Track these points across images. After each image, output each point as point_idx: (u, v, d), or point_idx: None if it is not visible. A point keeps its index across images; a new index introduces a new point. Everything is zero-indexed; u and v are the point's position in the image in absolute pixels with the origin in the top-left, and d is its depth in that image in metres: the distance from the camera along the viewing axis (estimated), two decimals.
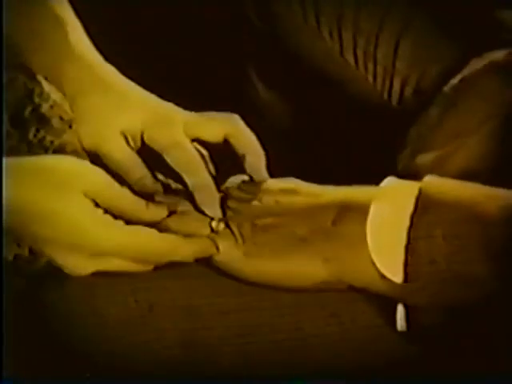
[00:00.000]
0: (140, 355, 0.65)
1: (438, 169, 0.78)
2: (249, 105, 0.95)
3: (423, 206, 0.62)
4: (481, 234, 0.60)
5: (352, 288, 0.65)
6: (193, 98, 0.74)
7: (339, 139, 0.93)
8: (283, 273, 0.65)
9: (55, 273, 0.65)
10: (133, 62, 0.84)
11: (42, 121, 0.81)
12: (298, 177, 0.69)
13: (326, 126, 0.94)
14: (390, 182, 0.67)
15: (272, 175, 0.71)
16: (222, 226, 0.67)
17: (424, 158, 0.81)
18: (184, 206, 0.68)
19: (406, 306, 0.63)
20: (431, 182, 0.65)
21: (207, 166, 0.70)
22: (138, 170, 0.70)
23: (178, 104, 0.73)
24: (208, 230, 0.66)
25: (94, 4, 0.89)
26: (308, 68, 0.92)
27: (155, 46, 1.00)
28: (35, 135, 0.83)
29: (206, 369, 0.65)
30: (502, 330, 0.62)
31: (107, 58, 0.74)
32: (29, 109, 0.85)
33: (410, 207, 0.63)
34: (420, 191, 0.63)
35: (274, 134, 0.94)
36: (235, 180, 0.70)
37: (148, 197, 0.67)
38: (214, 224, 0.67)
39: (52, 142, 0.83)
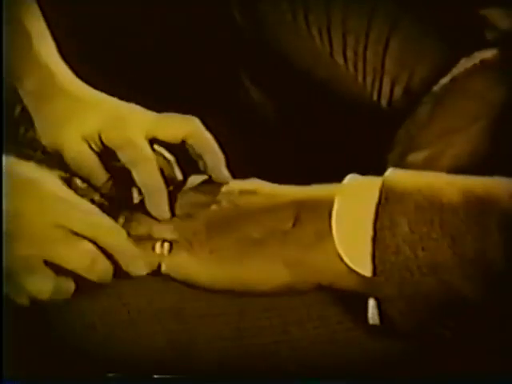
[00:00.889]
0: (129, 358, 0.65)
1: (428, 168, 0.78)
2: (238, 105, 0.95)
3: (386, 196, 0.61)
4: (443, 220, 0.60)
5: (320, 287, 0.64)
6: (180, 98, 0.74)
7: (329, 140, 0.93)
8: (243, 278, 0.64)
9: None
10: (114, 67, 0.84)
11: (31, 121, 0.80)
12: (286, 178, 0.69)
13: (315, 127, 0.94)
14: (351, 178, 0.66)
15: (259, 176, 0.70)
16: (166, 247, 0.65)
17: (414, 158, 0.81)
18: (137, 219, 0.67)
19: (377, 300, 0.62)
20: (393, 174, 0.64)
21: (173, 171, 0.70)
22: (102, 174, 0.71)
23: (165, 105, 0.73)
24: (152, 253, 0.65)
25: (65, 11, 0.89)
26: (297, 68, 0.92)
27: (142, 46, 1.00)
28: (24, 135, 0.83)
29: (195, 371, 0.65)
30: (471, 317, 0.61)
31: (90, 65, 0.74)
32: (18, 109, 0.86)
33: (374, 200, 0.62)
34: (383, 184, 0.63)
35: (263, 135, 0.94)
36: (195, 180, 0.70)
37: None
38: (157, 247, 0.65)
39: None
